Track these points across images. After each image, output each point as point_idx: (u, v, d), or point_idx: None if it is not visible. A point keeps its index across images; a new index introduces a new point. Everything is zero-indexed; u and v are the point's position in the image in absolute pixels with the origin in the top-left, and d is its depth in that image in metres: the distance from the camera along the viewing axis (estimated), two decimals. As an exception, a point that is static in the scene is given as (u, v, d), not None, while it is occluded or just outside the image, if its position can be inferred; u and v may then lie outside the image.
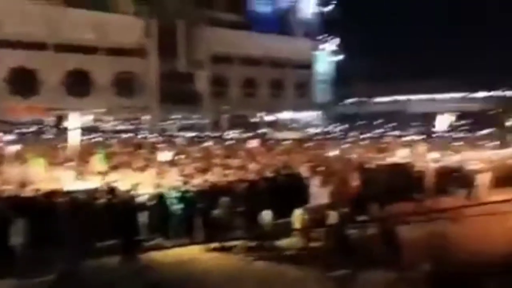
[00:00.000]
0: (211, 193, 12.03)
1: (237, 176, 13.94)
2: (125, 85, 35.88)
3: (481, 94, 53.75)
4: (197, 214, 11.56)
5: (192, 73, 39.82)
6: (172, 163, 16.35)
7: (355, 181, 13.62)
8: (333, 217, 10.88)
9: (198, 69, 39.93)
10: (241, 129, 36.74)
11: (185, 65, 39.04)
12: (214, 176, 13.83)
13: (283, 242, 11.14)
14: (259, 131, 38.10)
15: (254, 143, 24.05)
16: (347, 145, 23.61)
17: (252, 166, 15.98)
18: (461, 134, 31.55)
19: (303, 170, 14.62)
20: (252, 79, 44.40)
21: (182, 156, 17.96)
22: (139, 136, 28.77)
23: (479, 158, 17.77)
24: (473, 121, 40.18)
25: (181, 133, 32.81)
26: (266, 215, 11.18)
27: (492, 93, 52.28)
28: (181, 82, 38.34)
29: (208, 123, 39.36)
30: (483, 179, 15.61)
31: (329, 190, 12.60)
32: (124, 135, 29.56)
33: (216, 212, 11.15)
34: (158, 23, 37.05)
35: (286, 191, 12.98)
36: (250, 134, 33.90)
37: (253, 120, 44.21)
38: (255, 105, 43.40)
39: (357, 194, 12.96)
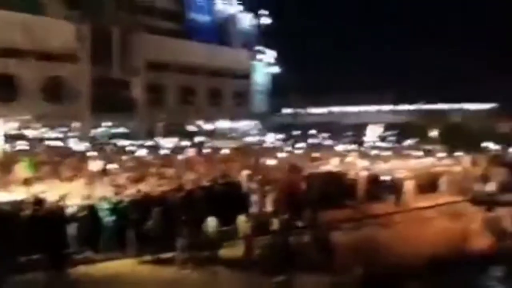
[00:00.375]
0: (145, 204, 11.58)
1: (173, 185, 13.58)
2: (54, 91, 34.01)
3: (407, 107, 57.43)
4: (130, 226, 11.07)
5: (127, 80, 38.67)
6: (103, 172, 15.63)
7: (299, 188, 13.83)
8: (274, 224, 10.99)
9: (133, 76, 38.85)
10: (178, 138, 36.17)
11: (119, 71, 37.82)
12: (148, 186, 13.35)
13: (223, 251, 10.99)
14: (197, 139, 37.76)
15: (191, 152, 23.73)
16: (283, 154, 23.99)
17: (189, 175, 15.68)
18: (389, 144, 33.32)
19: (241, 179, 14.61)
20: (190, 88, 43.99)
21: (115, 166, 17.22)
22: (69, 144, 27.34)
23: (405, 166, 18.85)
24: (399, 132, 42.68)
25: (114, 142, 31.62)
26: (211, 222, 11.00)
27: (416, 107, 56.00)
28: (115, 89, 37.07)
29: (143, 131, 38.31)
30: (409, 186, 16.57)
31: (268, 198, 12.71)
32: (52, 143, 27.95)
33: (150, 223, 10.74)
34: (91, 28, 35.63)
35: (224, 200, 12.84)
36: (187, 143, 33.48)
37: (190, 128, 43.73)
38: (192, 113, 42.98)
39: (297, 201, 13.11)
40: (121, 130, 37.77)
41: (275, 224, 11.04)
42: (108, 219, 11.09)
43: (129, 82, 38.93)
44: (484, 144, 30.08)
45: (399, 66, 65.40)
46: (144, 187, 13.12)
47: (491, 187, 16.12)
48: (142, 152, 24.03)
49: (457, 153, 23.40)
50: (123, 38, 38.22)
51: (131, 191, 12.41)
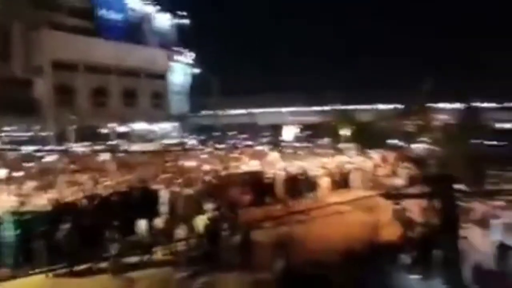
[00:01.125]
0: (55, 213, 10.84)
1: (86, 193, 12.88)
2: None
3: (320, 108, 60.16)
4: (38, 238, 10.28)
5: (30, 79, 35.88)
6: (7, 180, 14.34)
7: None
8: (198, 227, 10.95)
9: (37, 75, 36.14)
10: (91, 141, 34.35)
11: (22, 70, 34.97)
12: (58, 194, 12.48)
13: (136, 259, 10.65)
14: (112, 143, 36.18)
15: (106, 156, 22.67)
16: (204, 156, 23.87)
17: (104, 181, 14.97)
18: (304, 144, 34.62)
19: (159, 182, 14.31)
20: (102, 88, 42.02)
21: (20, 173, 15.88)
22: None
23: (321, 164, 19.72)
24: (314, 132, 44.61)
25: (19, 147, 29.15)
26: (142, 225, 10.69)
27: (327, 107, 58.84)
28: (17, 89, 34.19)
29: (52, 135, 35.82)
30: (325, 183, 17.38)
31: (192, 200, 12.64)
32: None
33: (61, 233, 10.05)
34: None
35: (142, 205, 12.46)
36: (101, 147, 31.96)
37: (104, 131, 41.77)
38: (106, 115, 41.06)
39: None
40: (27, 134, 34.95)
41: (200, 226, 10.99)
42: (12, 232, 10.20)
43: (32, 82, 36.16)
44: (391, 142, 32.44)
45: (312, 68, 68.94)
46: (53, 195, 12.27)
47: (399, 181, 17.47)
48: (51, 158, 22.44)
49: (367, 151, 24.89)
50: (25, 34, 35.43)
51: (39, 200, 11.53)
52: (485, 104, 51.14)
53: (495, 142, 29.56)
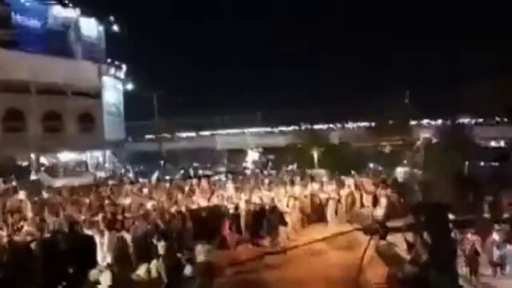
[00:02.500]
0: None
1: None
2: None
3: (285, 128, 60.92)
4: None
5: None
6: None
7: None
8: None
9: None
10: (3, 177, 32.85)
11: None
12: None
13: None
14: (31, 177, 34.83)
15: (22, 195, 21.70)
16: (147, 189, 23.32)
17: (20, 225, 14.27)
18: (269, 170, 34.72)
19: (93, 225, 13.81)
20: (17, 111, 40.53)
21: None
22: None
23: (288, 195, 19.69)
24: (278, 156, 45.00)
25: None
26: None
27: (292, 128, 59.70)
28: None
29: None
30: (294, 218, 17.37)
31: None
32: None
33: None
34: None
35: (70, 254, 11.91)
36: (17, 183, 30.67)
37: (21, 163, 40.20)
38: (23, 144, 39.53)
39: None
40: None
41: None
42: None
43: None
44: (368, 165, 33.09)
45: (270, 86, 70.25)
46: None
47: (380, 212, 17.65)
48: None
49: (341, 177, 25.08)
50: None
51: None
52: (470, 120, 53.63)
53: (482, 163, 30.65)
